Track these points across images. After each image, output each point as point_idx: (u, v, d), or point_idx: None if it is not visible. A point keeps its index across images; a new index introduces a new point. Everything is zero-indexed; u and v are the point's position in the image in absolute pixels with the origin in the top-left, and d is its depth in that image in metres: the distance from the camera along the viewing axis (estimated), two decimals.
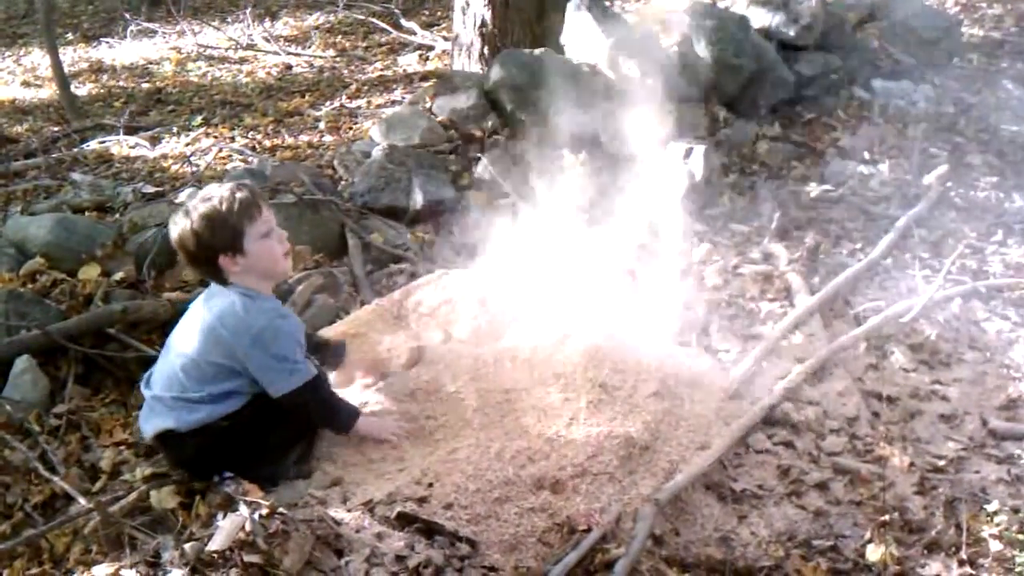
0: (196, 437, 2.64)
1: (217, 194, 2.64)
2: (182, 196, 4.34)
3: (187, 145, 5.95)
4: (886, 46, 6.45)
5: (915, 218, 4.42)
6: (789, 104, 5.89)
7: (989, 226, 4.46)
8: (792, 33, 6.05)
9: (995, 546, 2.50)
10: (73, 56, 9.04)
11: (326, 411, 2.82)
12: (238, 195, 2.64)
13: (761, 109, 5.79)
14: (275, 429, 2.71)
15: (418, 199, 4.54)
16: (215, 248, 2.62)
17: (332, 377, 3.09)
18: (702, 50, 5.65)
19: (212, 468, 2.68)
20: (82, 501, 2.74)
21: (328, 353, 3.09)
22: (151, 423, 2.72)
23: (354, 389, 3.10)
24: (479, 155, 4.95)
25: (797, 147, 5.48)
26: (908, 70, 6.28)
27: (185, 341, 2.69)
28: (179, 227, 2.65)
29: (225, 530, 2.08)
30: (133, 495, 2.71)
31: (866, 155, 5.32)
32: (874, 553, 2.48)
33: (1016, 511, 2.62)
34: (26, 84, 8.32)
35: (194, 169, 5.33)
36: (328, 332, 3.33)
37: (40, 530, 2.61)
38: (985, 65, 6.89)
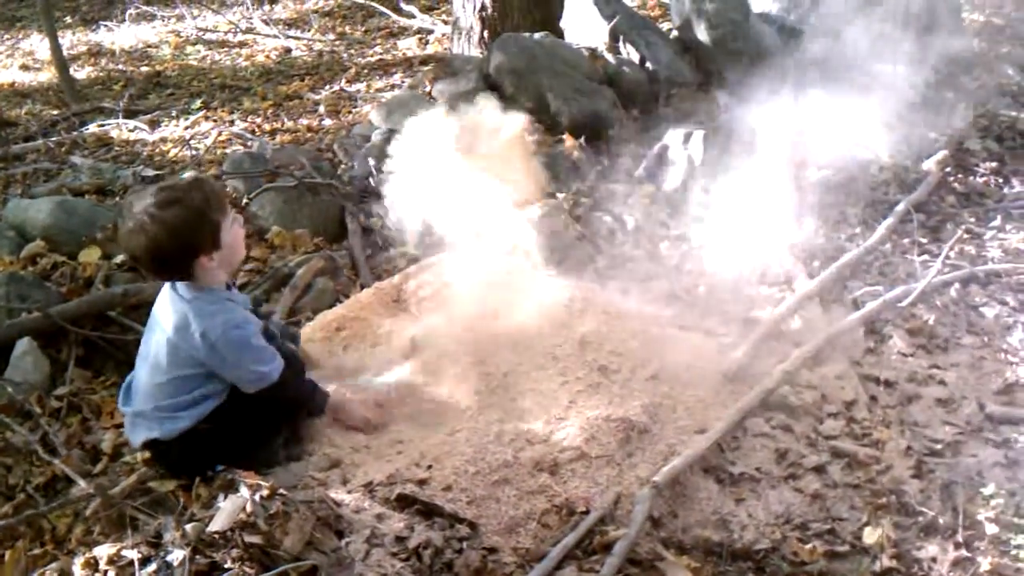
0: (181, 443, 2.62)
1: (184, 192, 2.51)
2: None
3: (186, 129, 5.95)
4: (886, 30, 6.42)
5: (914, 203, 4.41)
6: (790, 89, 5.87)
7: (988, 211, 4.45)
8: (792, 17, 6.04)
9: (991, 529, 2.51)
10: (72, 39, 9.01)
11: (295, 403, 2.79)
12: (207, 188, 2.57)
13: (761, 94, 5.77)
14: (257, 418, 2.69)
15: None
16: (196, 249, 2.49)
17: None
18: (702, 34, 5.64)
19: (203, 467, 2.63)
20: (82, 483, 2.76)
21: None
22: (137, 434, 2.69)
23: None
24: None
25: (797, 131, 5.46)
26: (908, 55, 6.25)
27: (153, 363, 2.63)
28: (147, 234, 2.44)
29: (226, 511, 2.09)
30: (134, 477, 2.72)
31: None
32: (871, 536, 2.49)
33: (1012, 494, 2.62)
34: (25, 67, 8.30)
35: (194, 153, 5.33)
36: (328, 316, 3.33)
37: (40, 510, 2.63)
38: (985, 50, 6.87)
